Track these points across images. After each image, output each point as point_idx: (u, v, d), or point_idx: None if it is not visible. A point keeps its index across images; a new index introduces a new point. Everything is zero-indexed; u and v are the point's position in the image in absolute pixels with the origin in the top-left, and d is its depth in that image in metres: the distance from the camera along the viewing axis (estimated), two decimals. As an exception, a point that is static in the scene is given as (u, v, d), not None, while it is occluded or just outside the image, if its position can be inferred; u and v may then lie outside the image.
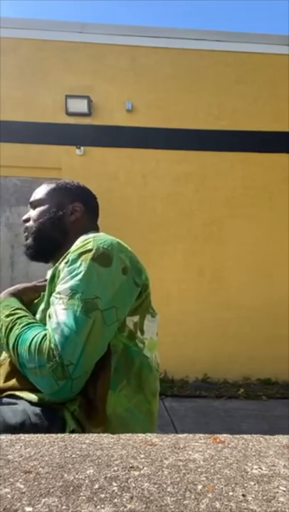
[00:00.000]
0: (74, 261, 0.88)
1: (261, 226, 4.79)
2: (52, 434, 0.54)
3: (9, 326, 0.90)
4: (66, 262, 0.90)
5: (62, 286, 0.86)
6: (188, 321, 4.63)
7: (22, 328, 0.88)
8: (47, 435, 0.53)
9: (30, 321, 0.92)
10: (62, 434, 0.54)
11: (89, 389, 0.85)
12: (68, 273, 0.87)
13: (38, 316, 0.97)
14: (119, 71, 4.92)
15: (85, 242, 0.92)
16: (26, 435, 0.54)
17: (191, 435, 0.54)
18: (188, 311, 4.65)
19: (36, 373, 0.81)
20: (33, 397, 0.85)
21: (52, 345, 0.79)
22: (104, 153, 4.76)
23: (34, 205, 1.11)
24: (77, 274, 0.85)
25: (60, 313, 0.82)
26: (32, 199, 1.12)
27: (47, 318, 0.87)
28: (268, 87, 4.95)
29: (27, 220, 1.11)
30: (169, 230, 4.77)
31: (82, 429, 0.82)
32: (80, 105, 4.73)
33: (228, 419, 3.42)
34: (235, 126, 4.70)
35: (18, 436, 0.53)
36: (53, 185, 1.11)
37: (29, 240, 1.09)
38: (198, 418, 3.44)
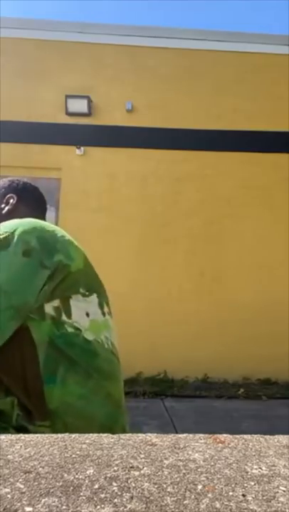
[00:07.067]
0: None
1: (261, 226, 4.79)
2: (52, 434, 0.54)
3: None
4: None
5: None
6: (188, 321, 4.63)
7: None
8: (47, 435, 0.53)
9: None
10: (63, 434, 0.54)
11: (21, 389, 0.83)
12: None
13: None
14: (119, 71, 4.92)
15: None
16: (26, 435, 0.54)
17: (191, 435, 0.54)
18: (189, 311, 4.65)
19: None
20: None
21: None
22: (105, 153, 4.76)
23: None
24: None
25: None
26: None
27: None
28: (268, 87, 4.95)
29: None
30: (169, 230, 4.77)
31: (27, 431, 0.79)
32: (80, 105, 4.73)
33: (228, 419, 3.42)
34: (235, 126, 4.70)
35: (18, 436, 0.53)
36: None
37: None
38: (198, 418, 3.45)
